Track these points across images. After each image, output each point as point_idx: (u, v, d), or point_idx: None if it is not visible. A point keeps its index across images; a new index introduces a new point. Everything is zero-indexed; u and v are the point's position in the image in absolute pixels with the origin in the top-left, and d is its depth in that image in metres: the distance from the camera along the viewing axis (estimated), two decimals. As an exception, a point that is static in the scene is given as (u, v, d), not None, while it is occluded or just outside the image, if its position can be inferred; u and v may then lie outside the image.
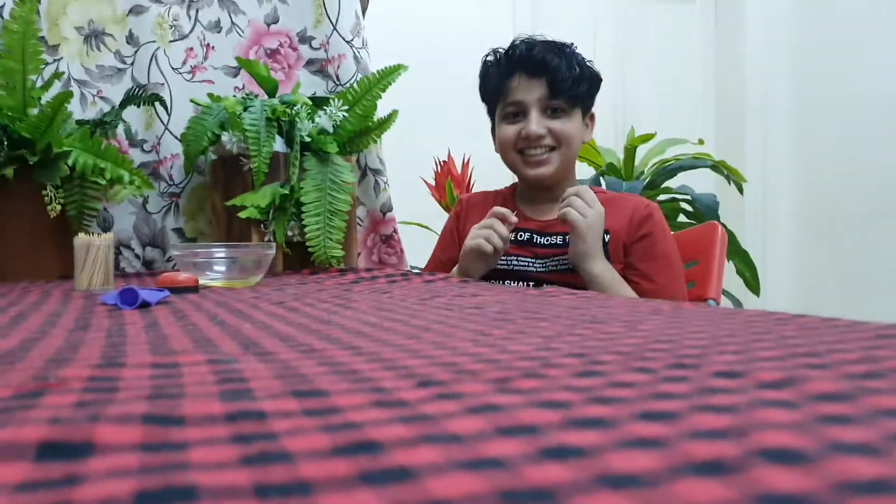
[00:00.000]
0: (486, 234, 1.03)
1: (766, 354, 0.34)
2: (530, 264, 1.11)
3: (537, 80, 1.10)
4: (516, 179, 1.22)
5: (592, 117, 1.18)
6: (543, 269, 1.10)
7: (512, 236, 1.11)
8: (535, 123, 1.09)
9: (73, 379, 0.27)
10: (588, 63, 1.13)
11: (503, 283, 1.11)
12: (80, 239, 0.74)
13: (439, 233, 1.33)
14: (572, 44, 1.14)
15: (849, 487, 0.17)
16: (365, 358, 0.34)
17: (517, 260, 1.12)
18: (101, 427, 0.19)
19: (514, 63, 1.12)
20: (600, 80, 1.15)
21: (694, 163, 1.83)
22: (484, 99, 1.20)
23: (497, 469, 0.18)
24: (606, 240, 1.06)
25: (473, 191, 1.88)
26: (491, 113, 1.20)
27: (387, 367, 0.31)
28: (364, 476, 0.17)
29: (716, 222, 1.29)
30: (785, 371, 0.30)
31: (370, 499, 0.16)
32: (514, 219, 1.04)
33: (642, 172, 1.92)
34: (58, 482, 0.15)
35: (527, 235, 1.13)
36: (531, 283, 1.10)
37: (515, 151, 1.13)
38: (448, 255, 1.25)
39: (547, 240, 1.11)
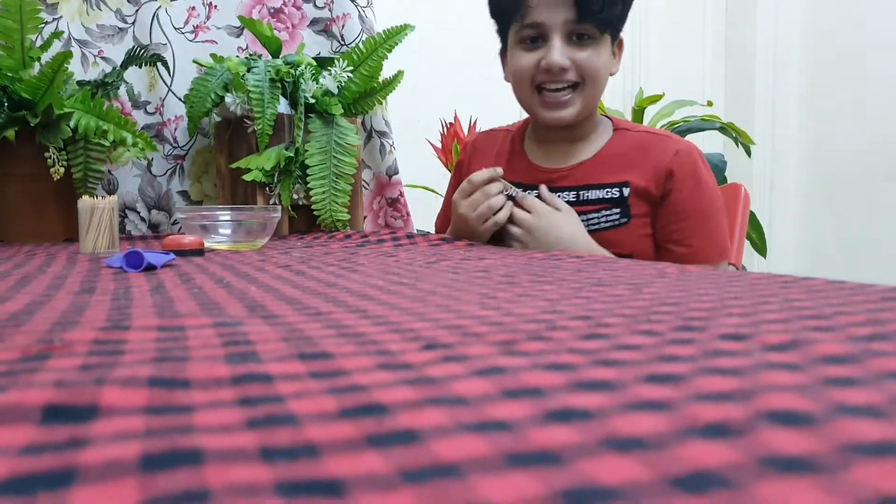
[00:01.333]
0: (483, 213, 0.90)
1: (772, 317, 0.34)
2: None
3: None
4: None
5: (621, 44, 0.98)
6: None
7: (515, 192, 0.97)
8: (559, 52, 0.89)
9: (79, 342, 0.27)
10: None
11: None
12: (85, 201, 0.74)
13: (444, 196, 1.28)
14: None
15: (854, 449, 0.17)
16: (371, 321, 0.34)
17: None
18: (107, 390, 0.19)
19: None
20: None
21: (702, 125, 1.81)
22: (494, 14, 0.99)
23: (503, 431, 0.18)
24: (626, 194, 0.93)
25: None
26: (502, 32, 0.99)
27: (393, 329, 0.31)
28: (370, 438, 0.17)
29: (739, 184, 1.19)
30: (790, 334, 0.30)
31: (377, 461, 0.16)
32: (499, 171, 0.92)
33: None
34: (63, 445, 0.15)
35: (535, 194, 0.98)
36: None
37: (532, 86, 0.94)
38: None
39: (557, 196, 0.96)
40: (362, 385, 0.22)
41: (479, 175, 0.92)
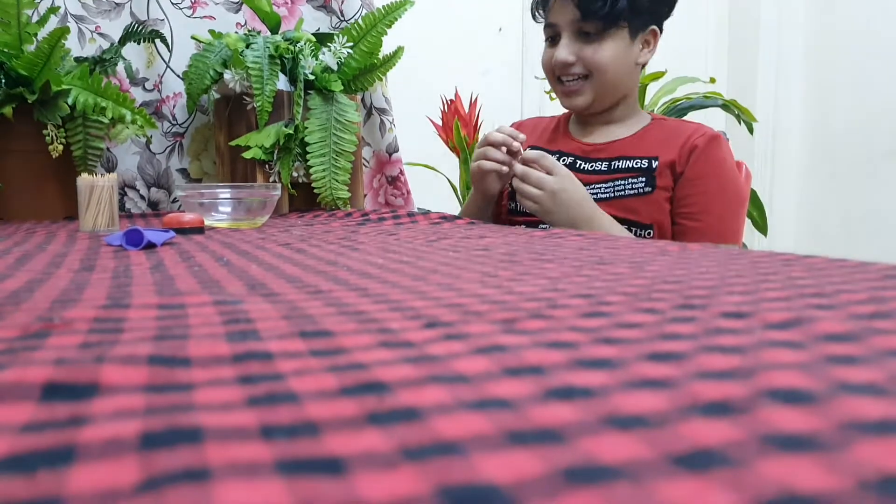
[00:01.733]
0: (479, 153, 0.99)
1: (774, 295, 0.34)
2: None
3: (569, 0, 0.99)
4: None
5: (655, 34, 1.05)
6: None
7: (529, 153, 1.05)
8: (564, 49, 1.00)
9: (79, 320, 0.27)
10: None
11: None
12: (84, 179, 0.73)
13: (445, 174, 1.29)
14: None
15: (855, 427, 0.17)
16: (371, 299, 0.34)
17: None
18: (107, 368, 0.19)
19: None
20: None
21: (705, 102, 1.79)
22: (535, 18, 1.10)
23: (504, 409, 0.18)
24: (654, 166, 0.99)
25: (481, 131, 1.84)
26: None
27: (393, 308, 0.31)
28: (371, 416, 0.17)
29: (741, 161, 1.22)
30: (792, 311, 0.30)
31: (378, 439, 0.16)
32: (521, 138, 0.98)
33: (653, 111, 1.88)
34: (63, 423, 0.15)
35: (569, 160, 1.06)
36: None
37: (554, 78, 1.05)
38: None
39: (591, 165, 1.04)
40: (363, 363, 0.22)
41: (495, 135, 0.99)
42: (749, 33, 2.90)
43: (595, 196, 1.00)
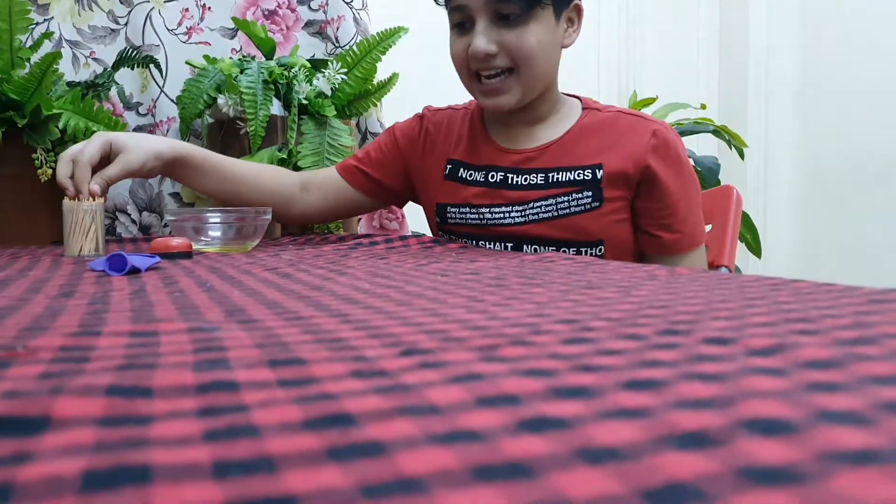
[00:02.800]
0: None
1: (759, 320, 0.34)
2: (506, 214, 0.90)
3: None
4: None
5: (578, 10, 0.90)
6: (522, 220, 0.89)
7: (481, 177, 0.92)
8: (482, 38, 0.83)
9: (44, 349, 0.26)
10: None
11: (478, 243, 0.93)
12: (68, 204, 0.73)
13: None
14: None
15: (834, 457, 0.17)
16: (352, 326, 0.33)
17: (489, 211, 0.91)
18: (61, 400, 0.18)
19: None
20: None
21: (695, 127, 1.81)
22: (437, 1, 0.92)
23: (472, 442, 0.18)
24: (599, 177, 0.87)
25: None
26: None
27: (372, 335, 0.31)
28: (332, 451, 0.17)
29: (731, 186, 1.18)
30: (776, 338, 0.30)
31: (335, 475, 0.15)
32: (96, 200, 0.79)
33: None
34: (5, 460, 0.15)
35: (500, 176, 0.91)
36: (509, 244, 0.91)
37: (469, 74, 0.88)
38: (377, 167, 1.00)
39: (525, 179, 0.90)
40: (332, 393, 0.21)
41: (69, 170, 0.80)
42: (739, 60, 2.94)
43: (536, 215, 0.89)
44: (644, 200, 0.90)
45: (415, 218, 1.50)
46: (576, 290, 0.46)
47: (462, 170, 0.96)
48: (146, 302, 0.41)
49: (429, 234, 1.16)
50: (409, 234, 1.39)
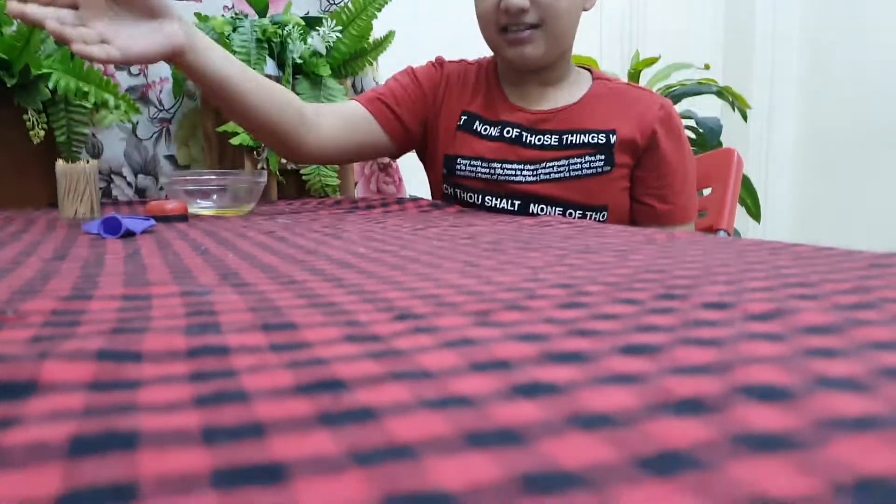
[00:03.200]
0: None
1: (757, 285, 0.33)
2: (517, 172, 0.92)
3: None
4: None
5: None
6: (534, 179, 0.91)
7: (496, 132, 0.93)
8: None
9: (35, 313, 0.26)
10: None
11: (485, 198, 0.93)
12: (61, 166, 0.72)
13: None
14: None
15: (832, 424, 0.17)
16: (345, 290, 0.33)
17: (501, 168, 0.92)
18: (49, 365, 0.18)
19: None
20: None
21: (699, 88, 1.78)
22: None
23: (464, 407, 0.17)
24: (613, 141, 0.90)
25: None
26: None
27: (366, 299, 0.30)
28: (323, 417, 0.16)
29: (732, 148, 1.17)
30: (774, 302, 0.29)
31: (325, 441, 0.15)
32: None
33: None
34: (-11, 425, 0.14)
35: (515, 132, 0.93)
36: (517, 202, 0.92)
37: (497, 29, 0.89)
38: (400, 104, 0.96)
39: (538, 139, 0.92)
40: (324, 358, 0.21)
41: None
42: (745, 19, 2.88)
43: (547, 175, 0.91)
44: (643, 170, 0.92)
45: (412, 182, 1.48)
46: (572, 255, 0.46)
47: (477, 122, 0.96)
48: (140, 265, 0.40)
49: (426, 197, 1.15)
50: (407, 197, 1.38)
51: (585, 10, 0.92)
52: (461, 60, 1.03)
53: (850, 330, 0.25)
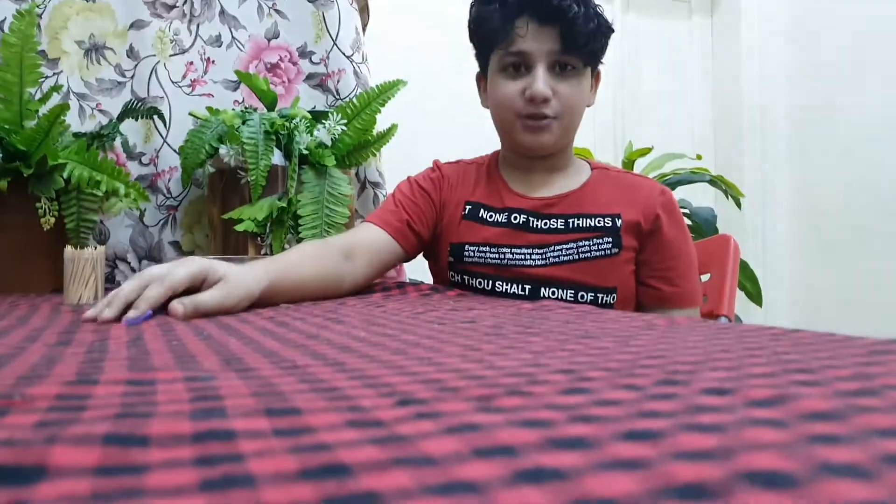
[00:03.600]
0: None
1: (758, 371, 0.34)
2: (526, 256, 0.94)
3: (549, 27, 0.89)
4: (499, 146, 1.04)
5: (599, 77, 0.99)
6: (543, 262, 0.93)
7: (503, 218, 0.96)
8: (542, 82, 0.89)
9: (41, 397, 0.26)
10: (600, 11, 0.93)
11: (495, 283, 0.95)
12: (69, 252, 0.73)
13: None
14: None
15: (837, 512, 0.17)
16: (347, 375, 0.33)
17: (511, 252, 0.94)
18: (57, 449, 0.18)
19: (524, 2, 0.90)
20: (612, 31, 0.95)
21: (692, 177, 1.83)
22: (475, 41, 0.98)
23: (468, 493, 0.18)
24: (619, 224, 0.92)
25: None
26: (482, 57, 0.99)
27: (368, 384, 0.31)
28: (328, 502, 0.16)
29: (728, 235, 1.19)
30: (776, 388, 0.30)
31: (330, 526, 0.15)
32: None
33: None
34: (-2, 509, 0.15)
35: (522, 218, 0.95)
36: (527, 286, 0.93)
37: (516, 115, 0.93)
38: (419, 222, 1.00)
39: (545, 223, 0.94)
40: (327, 444, 0.21)
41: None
42: (733, 110, 2.99)
43: (556, 258, 0.92)
44: (647, 253, 0.94)
45: (411, 266, 1.50)
46: (573, 340, 0.46)
47: (482, 210, 0.99)
48: (143, 350, 0.40)
49: (427, 281, 1.16)
50: (407, 281, 1.39)
51: (588, 105, 0.97)
52: (458, 161, 1.08)
53: (852, 416, 0.25)
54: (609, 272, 0.92)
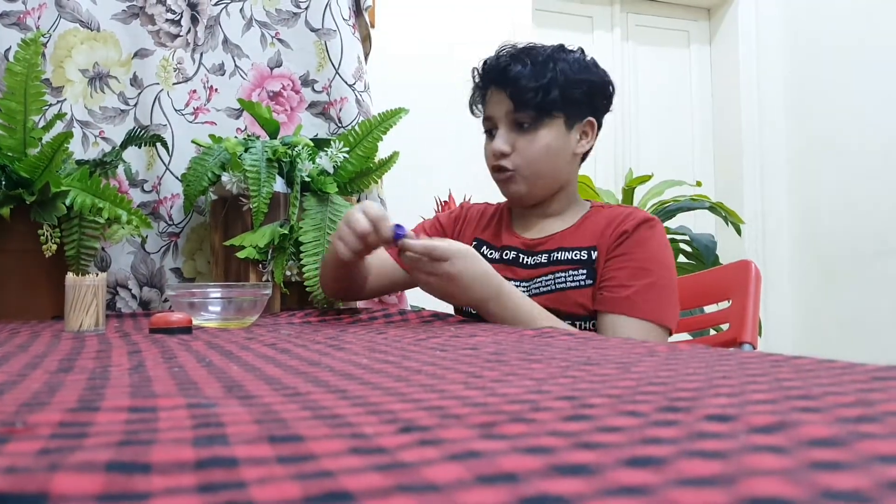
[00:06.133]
0: (340, 232, 0.88)
1: (760, 397, 0.34)
2: None
3: (504, 91, 1.00)
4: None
5: (592, 125, 1.05)
6: (526, 293, 1.00)
7: (497, 255, 1.06)
8: (500, 140, 1.01)
9: (43, 424, 0.26)
10: (583, 64, 1.02)
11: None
12: (70, 279, 0.73)
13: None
14: (575, 48, 1.04)
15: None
16: (349, 402, 0.33)
17: None
18: (60, 476, 0.18)
19: (486, 73, 1.04)
20: (598, 83, 1.03)
21: (692, 204, 1.84)
22: (473, 113, 1.12)
23: (472, 521, 0.17)
24: (594, 257, 0.98)
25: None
26: None
27: (370, 411, 0.31)
28: (330, 528, 0.16)
29: (748, 260, 1.19)
30: (777, 415, 0.30)
31: (333, 554, 0.15)
32: (387, 226, 0.85)
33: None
34: (2, 536, 0.15)
35: (512, 254, 1.05)
36: None
37: (490, 169, 1.05)
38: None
39: (533, 259, 1.03)
40: (330, 470, 0.21)
41: (359, 224, 0.85)
42: (732, 137, 3.02)
43: (537, 289, 0.99)
44: (609, 267, 0.97)
45: (413, 293, 1.50)
46: (575, 366, 0.46)
47: (484, 247, 1.10)
48: (145, 377, 0.40)
49: (427, 308, 1.16)
50: (408, 308, 1.39)
51: (576, 154, 1.04)
52: (485, 202, 1.21)
53: (853, 443, 0.25)
54: (585, 302, 0.97)
